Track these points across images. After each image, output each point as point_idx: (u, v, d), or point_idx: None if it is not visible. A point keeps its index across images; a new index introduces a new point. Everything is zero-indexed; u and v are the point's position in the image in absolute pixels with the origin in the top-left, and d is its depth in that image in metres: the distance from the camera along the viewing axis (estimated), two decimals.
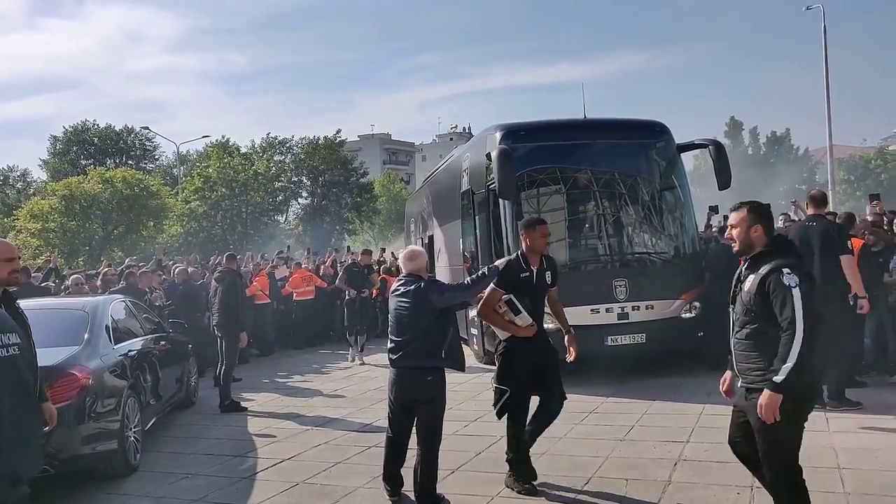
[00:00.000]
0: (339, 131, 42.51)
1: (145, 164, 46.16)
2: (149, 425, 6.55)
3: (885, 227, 7.50)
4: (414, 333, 4.48)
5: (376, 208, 44.18)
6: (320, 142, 41.50)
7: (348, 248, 19.39)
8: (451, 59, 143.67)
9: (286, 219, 42.06)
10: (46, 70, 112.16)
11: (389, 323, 4.67)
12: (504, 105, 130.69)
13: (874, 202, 8.37)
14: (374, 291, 12.77)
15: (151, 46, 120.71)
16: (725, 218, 9.65)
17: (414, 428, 4.64)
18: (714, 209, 10.13)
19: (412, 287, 4.55)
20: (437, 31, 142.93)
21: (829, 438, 5.43)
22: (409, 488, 4.66)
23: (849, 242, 6.04)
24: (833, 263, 6.03)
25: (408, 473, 4.66)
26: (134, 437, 5.87)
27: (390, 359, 4.63)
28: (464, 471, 5.24)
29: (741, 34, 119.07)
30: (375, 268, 13.90)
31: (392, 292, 4.76)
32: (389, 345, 4.64)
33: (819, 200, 6.42)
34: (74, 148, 44.74)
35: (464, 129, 77.24)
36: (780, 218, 9.98)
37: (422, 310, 4.47)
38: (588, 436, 6.00)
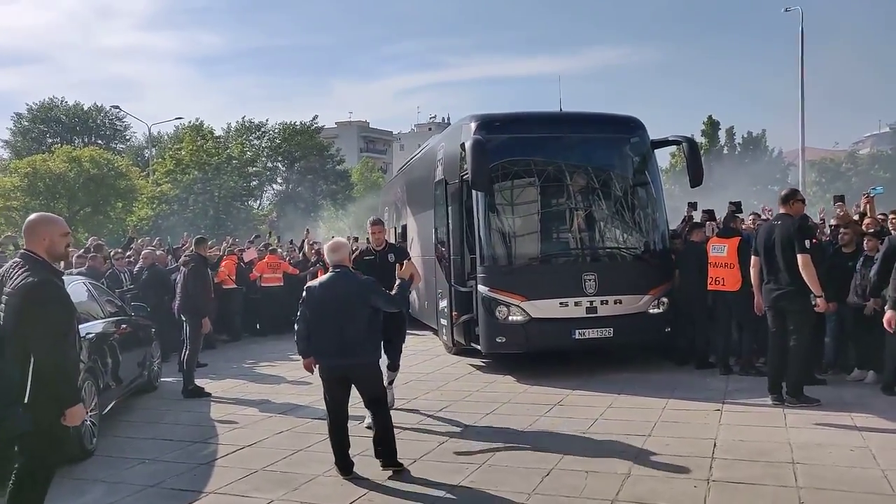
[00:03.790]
0: (315, 117, 42.31)
1: (115, 144, 45.30)
2: (107, 409, 6.42)
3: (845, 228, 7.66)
4: None
5: (352, 196, 43.92)
6: (297, 127, 41.14)
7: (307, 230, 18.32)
8: (430, 48, 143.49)
9: (260, 204, 41.67)
10: (10, 43, 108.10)
11: None
12: (483, 95, 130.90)
13: (837, 203, 8.50)
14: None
15: (122, 22, 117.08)
16: (704, 213, 9.69)
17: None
18: (693, 205, 10.14)
19: None
20: (416, 19, 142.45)
21: (785, 434, 5.52)
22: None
23: (807, 242, 6.13)
24: (794, 262, 6.14)
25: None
26: (90, 420, 5.73)
27: None
28: (426, 461, 5.22)
29: (721, 34, 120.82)
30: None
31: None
32: None
33: (784, 198, 6.51)
34: (41, 126, 43.64)
35: (443, 119, 77.01)
36: (750, 217, 10.07)
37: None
38: (551, 428, 6.02)
